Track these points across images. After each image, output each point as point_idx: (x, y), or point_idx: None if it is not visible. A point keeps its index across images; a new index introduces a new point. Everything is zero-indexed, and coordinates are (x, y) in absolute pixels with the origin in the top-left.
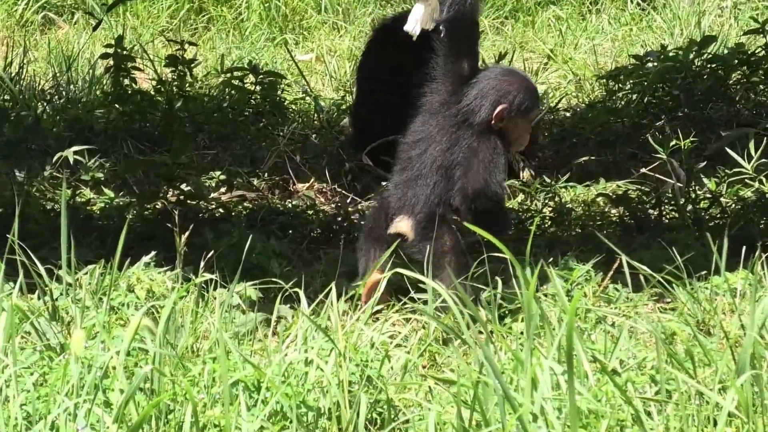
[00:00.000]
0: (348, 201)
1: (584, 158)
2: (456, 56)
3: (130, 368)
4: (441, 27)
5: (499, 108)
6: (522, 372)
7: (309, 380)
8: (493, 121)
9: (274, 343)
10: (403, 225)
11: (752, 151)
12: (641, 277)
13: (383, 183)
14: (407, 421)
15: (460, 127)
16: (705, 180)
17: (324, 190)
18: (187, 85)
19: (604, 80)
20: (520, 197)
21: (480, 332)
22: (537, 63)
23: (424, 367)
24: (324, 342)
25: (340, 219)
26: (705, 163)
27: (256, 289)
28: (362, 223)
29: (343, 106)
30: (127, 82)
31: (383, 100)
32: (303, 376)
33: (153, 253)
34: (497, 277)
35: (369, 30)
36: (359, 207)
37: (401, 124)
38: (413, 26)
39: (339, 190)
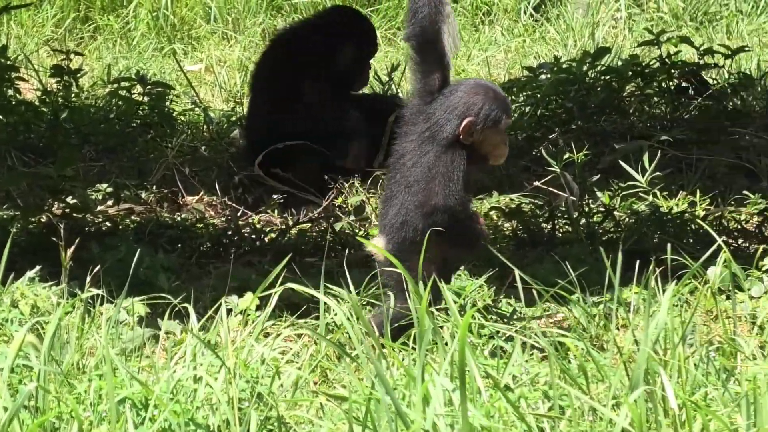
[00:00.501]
0: (238, 214)
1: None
2: (424, 71)
3: (14, 386)
4: (408, 42)
5: (465, 121)
6: (414, 388)
7: (198, 397)
8: (461, 136)
9: (162, 359)
10: (377, 244)
11: (646, 164)
12: (534, 292)
13: (275, 195)
14: None
15: (429, 143)
16: (599, 193)
17: (214, 203)
18: (73, 95)
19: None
20: None
21: (373, 348)
22: None
23: (315, 383)
24: (213, 358)
25: (230, 232)
26: (599, 176)
27: (144, 304)
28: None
29: (234, 118)
30: (11, 92)
31: (275, 112)
32: (192, 393)
33: (38, 267)
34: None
35: (260, 40)
36: (250, 220)
37: (295, 137)
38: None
39: (229, 203)
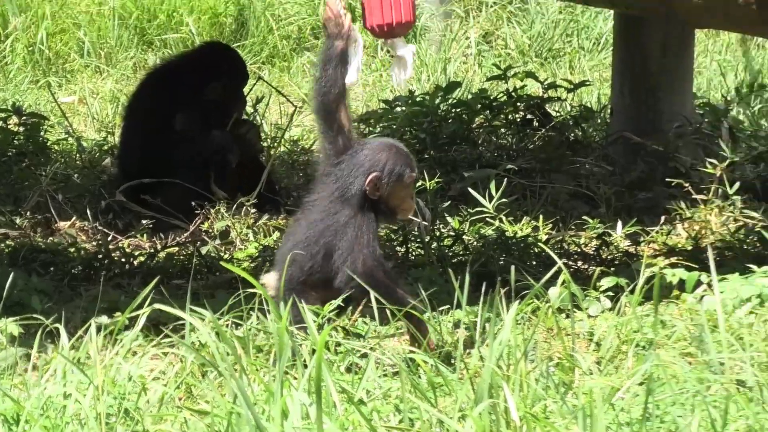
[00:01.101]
0: (109, 238)
1: None
2: (330, 137)
3: None
4: (314, 114)
5: (371, 177)
6: (273, 403)
7: (67, 413)
8: (368, 191)
9: (34, 377)
10: (268, 278)
11: (493, 191)
12: (388, 312)
13: (144, 221)
14: None
15: (339, 202)
16: (449, 218)
17: (86, 228)
18: None
19: (356, 123)
20: (276, 234)
21: (234, 365)
22: (294, 106)
23: (180, 399)
24: (82, 376)
25: (100, 256)
26: (449, 202)
27: (17, 324)
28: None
29: (105, 147)
30: None
31: (148, 142)
32: (62, 409)
33: None
34: (252, 312)
35: (132, 73)
36: (120, 244)
37: (164, 167)
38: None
39: (100, 228)
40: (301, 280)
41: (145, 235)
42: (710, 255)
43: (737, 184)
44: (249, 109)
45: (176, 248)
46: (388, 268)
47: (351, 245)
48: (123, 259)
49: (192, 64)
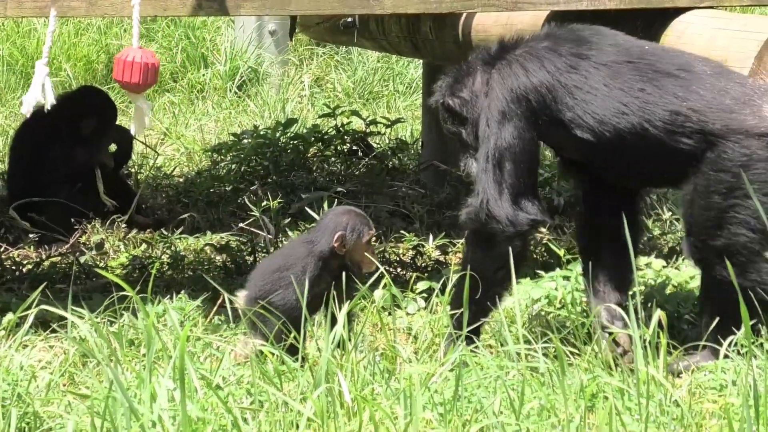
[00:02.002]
0: (1, 249)
1: (194, 214)
2: None
3: None
4: None
5: (337, 234)
6: (143, 388)
7: None
8: (336, 247)
9: None
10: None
11: (325, 208)
12: (239, 311)
13: (31, 235)
14: (50, 429)
15: (311, 256)
16: (290, 232)
17: None
18: None
19: (210, 153)
20: (143, 246)
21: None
22: (156, 139)
23: (64, 385)
24: None
25: None
26: (290, 219)
27: None
28: None
29: None
30: None
31: (30, 170)
32: None
33: None
34: (125, 312)
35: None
36: (11, 254)
37: (46, 188)
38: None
39: None
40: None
41: (32, 246)
42: None
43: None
44: None
45: (59, 258)
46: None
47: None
48: (14, 267)
49: (69, 103)
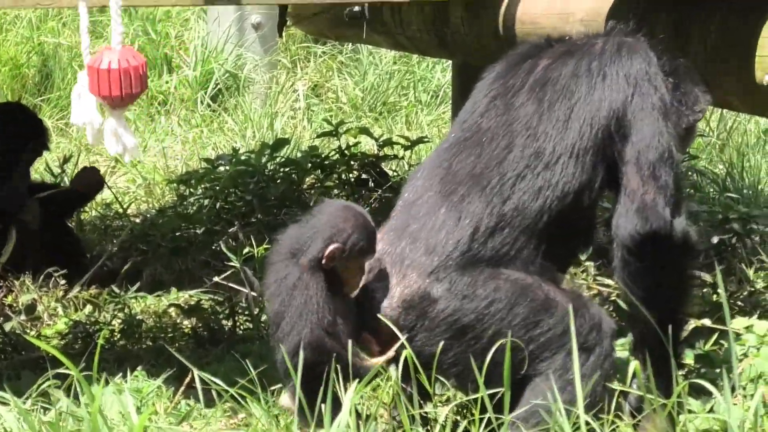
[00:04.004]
0: None
1: (155, 266)
2: None
3: None
4: None
5: (331, 248)
6: None
7: None
8: (324, 261)
9: None
10: (283, 399)
11: None
12: (213, 392)
13: None
14: None
15: (293, 264)
16: None
17: None
18: None
19: (175, 185)
20: (88, 308)
21: None
22: (105, 166)
23: None
24: None
25: None
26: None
27: None
28: None
29: None
30: None
31: None
32: None
33: None
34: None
35: None
36: None
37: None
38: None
39: None
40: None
41: None
42: None
43: (590, 249)
44: (56, 169)
45: None
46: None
47: (303, 315)
48: None
49: None
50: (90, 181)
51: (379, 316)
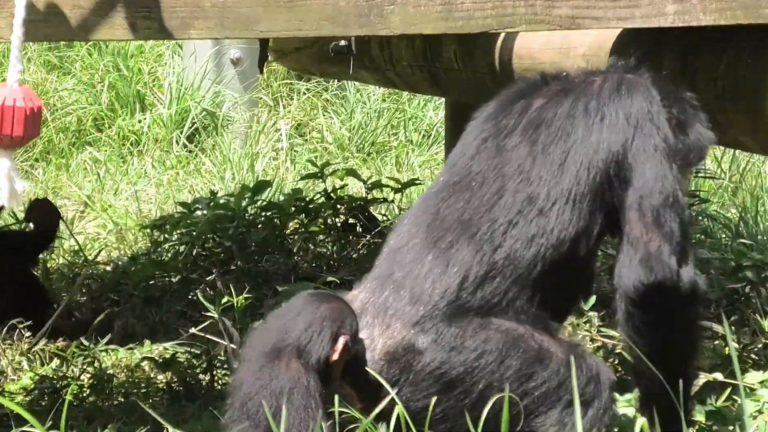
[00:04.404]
0: None
1: (127, 317)
2: None
3: None
4: None
5: (341, 341)
6: None
7: None
8: (336, 357)
9: None
10: None
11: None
12: None
13: None
14: None
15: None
16: None
17: None
18: None
19: (149, 230)
20: (55, 362)
21: None
22: (73, 211)
23: None
24: None
25: None
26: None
27: None
28: None
29: None
30: None
31: None
32: None
33: None
34: None
35: None
36: None
37: None
38: None
39: None
40: None
41: None
42: None
43: (593, 298)
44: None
45: None
46: None
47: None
48: None
49: None
50: (43, 213)
51: (367, 369)
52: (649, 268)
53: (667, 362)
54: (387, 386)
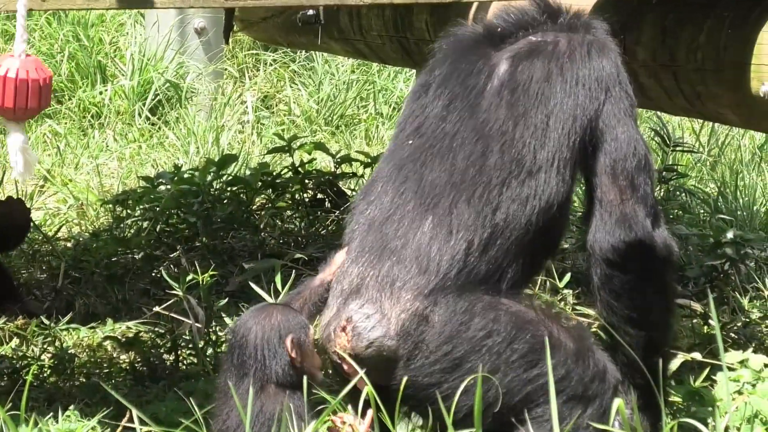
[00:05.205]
0: None
1: (88, 295)
2: None
3: None
4: None
5: (288, 340)
6: None
7: None
8: (294, 358)
9: None
10: None
11: (279, 285)
12: None
13: None
14: None
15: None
16: (227, 319)
17: None
18: None
19: (111, 205)
20: (15, 342)
21: None
22: (32, 186)
23: None
24: None
25: None
26: (227, 299)
27: None
28: None
29: None
30: None
31: None
32: None
33: None
34: None
35: None
36: None
37: None
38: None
39: None
40: None
41: None
42: None
43: (568, 275)
44: None
45: None
46: None
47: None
48: None
49: None
50: (15, 213)
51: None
52: (627, 228)
53: (644, 326)
54: (357, 367)
